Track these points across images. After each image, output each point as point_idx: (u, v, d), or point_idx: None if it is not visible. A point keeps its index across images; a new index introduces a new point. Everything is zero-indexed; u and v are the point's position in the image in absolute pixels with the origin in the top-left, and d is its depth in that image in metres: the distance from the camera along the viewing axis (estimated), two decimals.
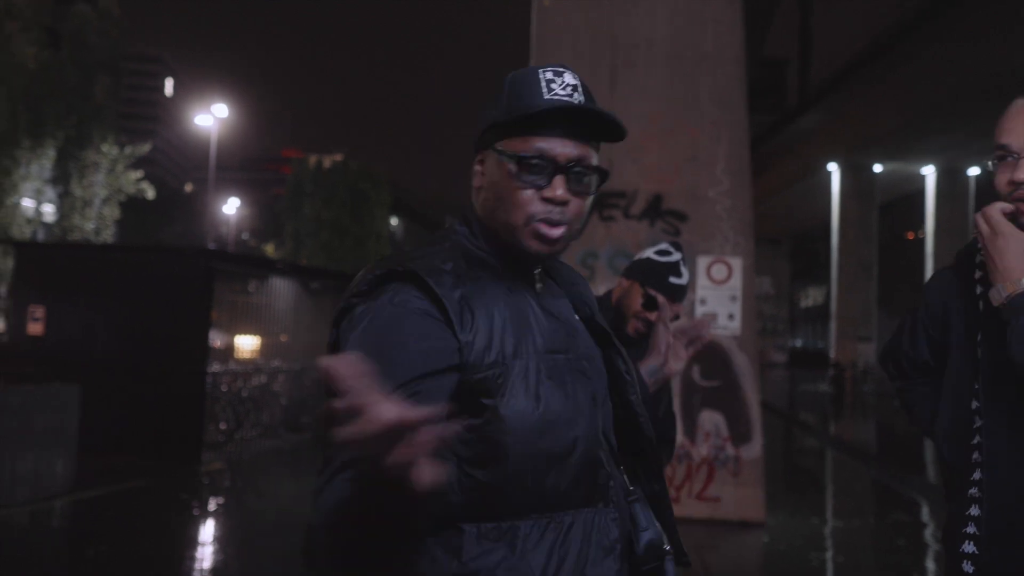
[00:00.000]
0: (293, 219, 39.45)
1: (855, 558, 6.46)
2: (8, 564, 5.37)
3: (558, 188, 1.22)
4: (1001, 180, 1.59)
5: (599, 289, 7.23)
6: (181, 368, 9.26)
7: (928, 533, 7.19)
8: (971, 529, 1.58)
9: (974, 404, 1.61)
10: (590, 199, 1.26)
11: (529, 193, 1.22)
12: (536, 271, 1.31)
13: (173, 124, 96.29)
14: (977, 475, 1.58)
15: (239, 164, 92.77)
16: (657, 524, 1.32)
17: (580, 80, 1.28)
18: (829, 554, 6.46)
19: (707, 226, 7.16)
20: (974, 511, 1.58)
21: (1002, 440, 1.55)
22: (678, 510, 6.87)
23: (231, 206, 47.61)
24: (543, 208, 1.22)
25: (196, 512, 7.22)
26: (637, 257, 2.65)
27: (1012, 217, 1.58)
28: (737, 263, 7.13)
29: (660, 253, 2.63)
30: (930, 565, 6.21)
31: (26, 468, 6.83)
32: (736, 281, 7.11)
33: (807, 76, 24.88)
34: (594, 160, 1.26)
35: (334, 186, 38.92)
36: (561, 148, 1.23)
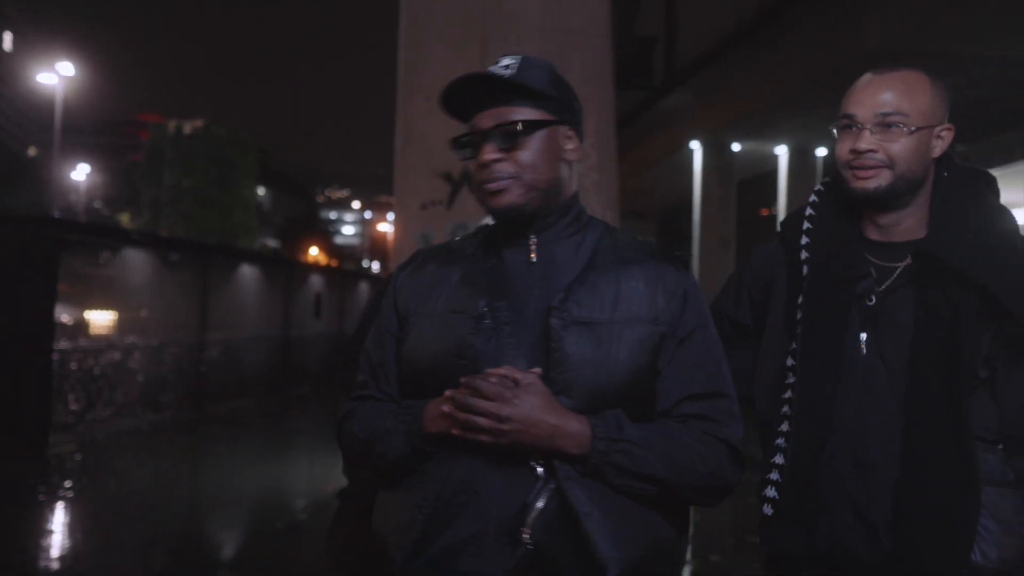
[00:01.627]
0: (151, 188, 37.42)
1: (706, 515, 6.79)
2: None
3: (485, 154, 1.38)
4: (843, 148, 1.67)
5: None
6: (24, 345, 8.64)
7: None
8: (774, 476, 1.68)
9: (789, 362, 1.71)
10: (534, 147, 1.38)
11: (474, 166, 1.41)
12: (531, 240, 1.41)
13: (13, 82, 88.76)
14: (784, 426, 1.69)
15: (90, 127, 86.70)
16: (538, 503, 1.28)
17: (518, 58, 1.43)
18: None
19: (579, 198, 7.29)
20: (778, 459, 1.68)
21: (806, 395, 1.65)
22: None
23: (81, 172, 44.53)
24: (483, 174, 1.39)
25: (43, 498, 6.79)
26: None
27: (843, 184, 1.69)
28: None
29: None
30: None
31: None
32: None
33: (673, 56, 25.68)
34: (519, 115, 1.38)
35: (196, 153, 37.12)
36: (481, 120, 1.40)
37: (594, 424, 1.29)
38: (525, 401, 1.26)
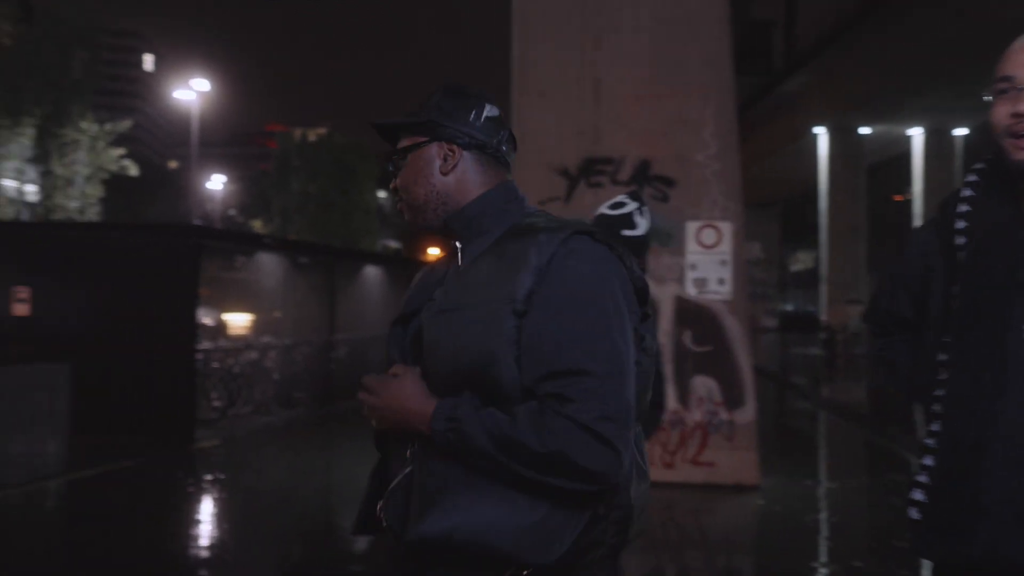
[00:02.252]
0: (281, 195, 39.18)
1: (850, 519, 6.52)
2: (5, 545, 5.36)
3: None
4: (1001, 112, 1.55)
5: None
6: (171, 346, 9.20)
7: None
8: (923, 478, 1.59)
9: (940, 357, 1.60)
10: (405, 172, 1.53)
11: None
12: (457, 245, 1.51)
13: (155, 101, 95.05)
14: (935, 427, 1.58)
15: (224, 140, 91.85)
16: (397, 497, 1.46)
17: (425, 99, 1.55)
18: (824, 515, 6.52)
19: (696, 190, 7.12)
20: (927, 461, 1.58)
21: (961, 392, 1.54)
22: (673, 475, 6.96)
23: (216, 182, 47.19)
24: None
25: (191, 490, 7.22)
26: (594, 214, 2.61)
27: (1003, 157, 1.55)
28: (727, 227, 7.10)
29: (614, 207, 2.59)
30: None
31: (19, 449, 6.80)
32: (726, 245, 7.09)
33: (793, 38, 24.69)
34: (398, 148, 1.55)
35: (320, 160, 38.61)
36: None
37: (437, 406, 1.36)
38: (388, 389, 1.43)
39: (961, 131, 22.63)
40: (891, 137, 23.95)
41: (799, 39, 24.03)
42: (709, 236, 7.11)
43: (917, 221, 23.57)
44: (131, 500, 6.72)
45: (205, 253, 9.85)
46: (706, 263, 7.10)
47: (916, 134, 23.26)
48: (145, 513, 6.30)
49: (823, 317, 23.79)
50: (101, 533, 5.67)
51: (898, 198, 29.86)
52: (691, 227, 7.11)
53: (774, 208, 35.87)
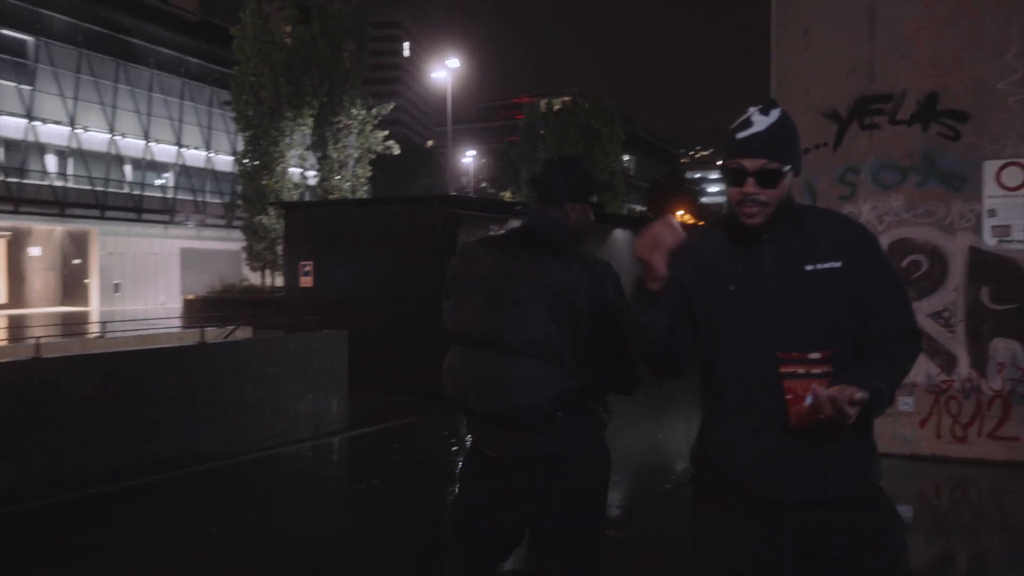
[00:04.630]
0: (528, 164, 40.22)
1: None
2: (301, 494, 5.92)
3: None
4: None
5: (863, 207, 6.51)
6: (433, 313, 9.67)
7: None
8: None
9: None
10: None
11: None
12: None
13: (412, 84, 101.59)
14: None
15: (475, 116, 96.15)
16: None
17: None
18: None
19: (996, 124, 6.13)
20: None
21: None
22: (966, 451, 6.15)
23: (469, 157, 49.50)
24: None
25: (456, 448, 7.56)
26: None
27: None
28: None
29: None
30: None
31: (307, 408, 7.50)
32: None
33: None
34: None
35: (566, 127, 39.07)
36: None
37: None
38: None
39: None
40: None
41: None
42: (1013, 177, 6.10)
43: None
44: (404, 455, 7.16)
45: (461, 222, 10.25)
46: (1009, 208, 6.11)
47: None
48: (417, 468, 6.67)
49: None
50: (379, 486, 6.09)
51: None
52: (989, 167, 6.15)
53: None
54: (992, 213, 6.16)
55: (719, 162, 2.23)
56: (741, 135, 1.90)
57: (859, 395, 1.71)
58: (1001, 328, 6.15)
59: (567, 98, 43.52)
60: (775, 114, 1.91)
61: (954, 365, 6.24)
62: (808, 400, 1.75)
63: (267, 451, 6.93)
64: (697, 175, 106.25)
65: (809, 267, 1.88)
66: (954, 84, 6.21)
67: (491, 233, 11.67)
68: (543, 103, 44.05)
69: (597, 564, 2.42)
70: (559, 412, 2.33)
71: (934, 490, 5.82)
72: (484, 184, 56.70)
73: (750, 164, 1.88)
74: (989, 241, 6.16)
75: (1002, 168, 6.13)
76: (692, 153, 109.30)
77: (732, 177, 1.91)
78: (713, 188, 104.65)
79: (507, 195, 45.88)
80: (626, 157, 45.55)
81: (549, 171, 2.54)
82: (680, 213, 62.43)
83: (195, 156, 40.54)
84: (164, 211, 38.42)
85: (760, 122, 1.89)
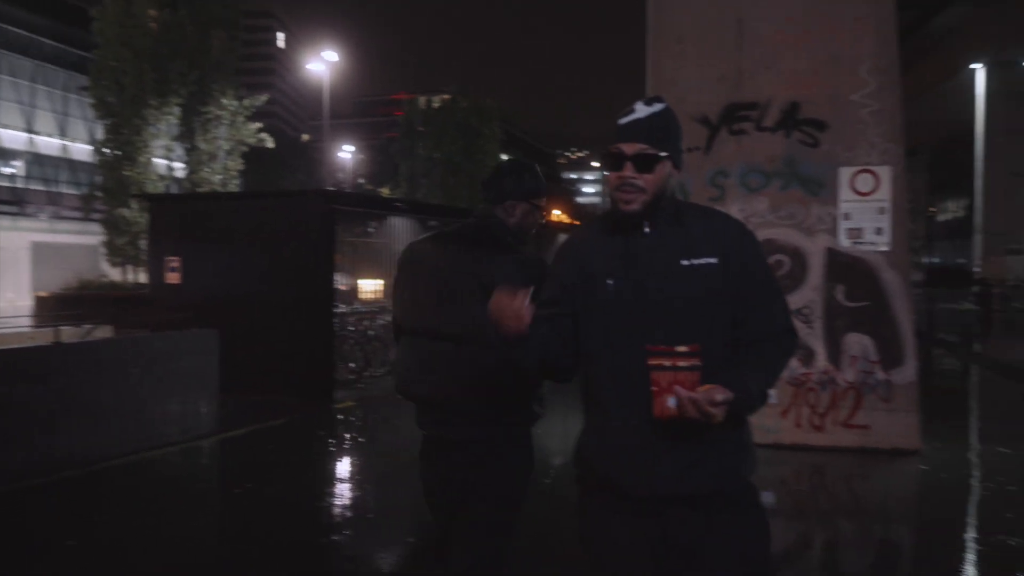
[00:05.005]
0: (407, 161, 39.87)
1: None
2: (166, 500, 5.62)
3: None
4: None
5: (731, 209, 6.81)
6: (310, 310, 9.46)
7: None
8: None
9: None
10: None
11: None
12: None
13: (287, 76, 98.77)
14: None
15: (352, 111, 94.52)
16: None
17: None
18: (998, 482, 5.94)
19: (851, 133, 6.56)
20: None
21: None
22: (822, 439, 6.55)
23: (346, 152, 48.59)
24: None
25: (333, 449, 7.40)
26: None
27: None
28: (885, 172, 6.53)
29: None
30: None
31: (174, 410, 7.14)
32: (884, 192, 6.52)
33: None
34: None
35: (445, 125, 38.97)
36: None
37: None
38: None
39: None
40: None
41: None
42: (865, 183, 6.55)
43: None
44: (278, 457, 6.94)
45: (339, 218, 10.04)
46: (861, 212, 6.55)
47: None
48: (291, 470, 6.48)
49: (976, 269, 22.16)
50: (252, 490, 5.87)
51: None
52: (844, 173, 6.57)
53: (921, 154, 33.47)
54: (847, 216, 6.58)
55: (594, 163, 2.33)
56: (622, 121, 1.97)
57: (720, 396, 1.75)
58: (854, 324, 6.58)
59: (446, 96, 43.42)
60: (658, 106, 1.98)
61: (812, 359, 6.63)
62: (671, 402, 1.78)
63: (130, 456, 6.55)
64: (573, 176, 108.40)
65: (685, 262, 1.91)
66: (815, 95, 6.60)
67: (369, 230, 11.50)
68: (423, 100, 43.78)
69: (502, 555, 2.57)
70: (492, 400, 2.51)
71: (795, 477, 6.16)
72: (362, 180, 55.81)
73: (628, 148, 1.93)
74: (844, 243, 6.58)
75: (856, 174, 6.56)
76: (569, 154, 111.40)
77: (611, 162, 1.95)
78: (589, 188, 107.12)
79: (386, 191, 45.33)
80: (504, 156, 45.96)
81: (497, 172, 2.76)
82: (557, 212, 63.55)
83: (48, 144, 37.93)
84: (13, 202, 35.74)
85: (642, 111, 1.96)
